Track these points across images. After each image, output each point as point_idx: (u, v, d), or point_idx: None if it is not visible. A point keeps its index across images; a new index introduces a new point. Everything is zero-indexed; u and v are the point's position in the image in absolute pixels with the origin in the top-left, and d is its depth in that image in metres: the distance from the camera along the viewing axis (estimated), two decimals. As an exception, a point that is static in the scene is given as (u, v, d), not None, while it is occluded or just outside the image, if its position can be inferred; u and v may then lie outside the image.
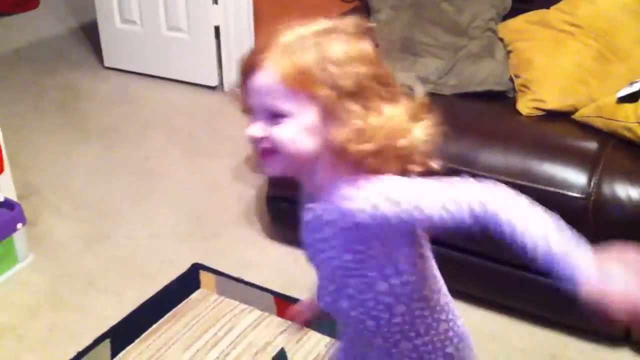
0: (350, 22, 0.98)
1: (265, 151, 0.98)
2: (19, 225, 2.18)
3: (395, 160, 0.98)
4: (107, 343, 1.92)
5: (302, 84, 0.93)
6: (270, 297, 2.07)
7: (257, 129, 0.96)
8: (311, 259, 1.14)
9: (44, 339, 1.95)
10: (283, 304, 2.04)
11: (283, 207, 2.22)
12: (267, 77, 0.94)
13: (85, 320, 2.01)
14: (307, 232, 1.11)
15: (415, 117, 1.00)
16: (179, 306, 2.06)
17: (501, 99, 2.15)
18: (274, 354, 1.88)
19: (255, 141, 0.98)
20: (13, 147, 2.35)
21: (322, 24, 0.98)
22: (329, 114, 0.95)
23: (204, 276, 2.17)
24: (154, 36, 3.42)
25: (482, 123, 2.05)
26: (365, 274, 1.02)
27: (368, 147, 0.95)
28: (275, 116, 0.95)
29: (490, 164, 1.87)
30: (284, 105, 0.94)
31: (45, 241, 2.36)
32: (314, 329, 1.93)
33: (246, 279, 2.15)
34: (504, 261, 1.91)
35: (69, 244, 2.35)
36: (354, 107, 0.95)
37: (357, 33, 0.97)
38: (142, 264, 2.25)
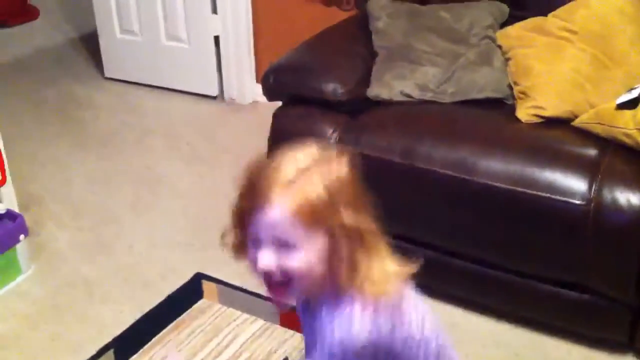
0: (334, 149, 1.09)
1: (276, 285, 1.06)
2: (22, 237, 2.18)
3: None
4: (110, 354, 1.93)
5: (312, 217, 1.01)
6: (273, 306, 2.08)
7: (269, 258, 1.03)
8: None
9: (47, 350, 1.96)
10: (286, 313, 2.04)
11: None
12: (278, 212, 1.01)
13: (88, 331, 2.01)
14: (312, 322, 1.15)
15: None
16: (182, 316, 2.06)
17: (500, 106, 2.15)
18: (277, 362, 1.89)
19: (267, 274, 1.05)
20: (14, 157, 2.36)
21: (311, 154, 1.06)
22: (333, 247, 1.03)
23: (206, 286, 2.18)
24: (154, 46, 3.43)
25: (481, 130, 2.05)
26: None
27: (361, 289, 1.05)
28: (285, 248, 1.02)
29: (490, 170, 1.87)
30: (295, 238, 1.01)
31: (46, 251, 2.36)
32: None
33: (247, 288, 2.16)
34: (508, 269, 1.91)
35: (70, 254, 2.35)
36: (356, 246, 1.04)
37: (343, 158, 1.08)
38: (144, 273, 2.26)
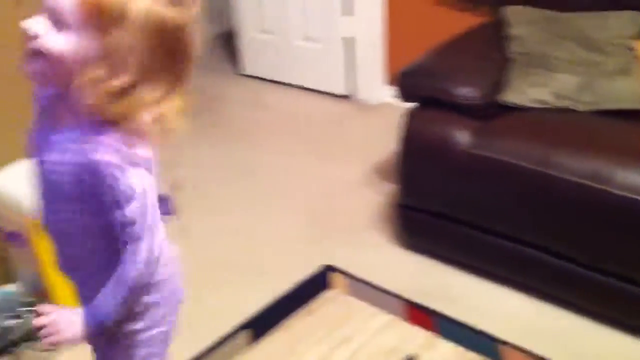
0: None
1: (33, 52, 1.04)
2: (169, 217, 2.36)
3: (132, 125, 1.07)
4: (245, 332, 2.06)
5: (97, 14, 1.00)
6: (400, 303, 2.14)
7: (39, 25, 1.03)
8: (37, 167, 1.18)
9: (186, 325, 2.10)
10: (413, 310, 2.10)
11: (414, 216, 2.29)
12: None
13: (223, 311, 2.15)
14: (46, 150, 1.13)
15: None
16: (310, 304, 2.17)
17: (638, 118, 2.12)
18: (403, 358, 1.95)
19: (30, 37, 1.03)
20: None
21: None
22: (104, 57, 1.01)
23: (335, 277, 2.27)
24: (288, 45, 3.58)
25: (618, 141, 2.02)
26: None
27: (113, 111, 1.04)
28: (59, 25, 1.01)
29: (627, 182, 1.86)
30: (71, 18, 1.00)
31: (182, 234, 2.52)
32: (446, 337, 1.99)
33: (375, 283, 2.23)
34: (592, 267, 1.92)
35: (205, 238, 2.51)
36: (124, 66, 1.02)
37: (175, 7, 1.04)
38: (274, 262, 2.38)
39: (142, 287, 1.17)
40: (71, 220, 1.16)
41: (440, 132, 2.14)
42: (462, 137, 2.10)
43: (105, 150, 1.06)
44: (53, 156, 1.11)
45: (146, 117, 1.08)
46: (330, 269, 2.31)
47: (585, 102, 2.17)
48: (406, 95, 2.31)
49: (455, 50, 2.41)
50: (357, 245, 2.45)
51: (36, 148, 1.16)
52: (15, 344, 1.97)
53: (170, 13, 1.04)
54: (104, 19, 1.00)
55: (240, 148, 3.14)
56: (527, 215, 2.03)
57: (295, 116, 3.42)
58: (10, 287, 2.13)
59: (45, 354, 1.97)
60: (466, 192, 2.11)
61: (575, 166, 1.94)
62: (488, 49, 2.41)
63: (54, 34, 1.02)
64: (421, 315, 2.09)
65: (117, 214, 1.10)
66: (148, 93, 1.06)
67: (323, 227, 2.55)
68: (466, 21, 2.83)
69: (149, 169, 1.13)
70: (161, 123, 1.10)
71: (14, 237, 1.99)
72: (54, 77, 1.06)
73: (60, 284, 2.02)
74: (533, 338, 1.99)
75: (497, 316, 2.09)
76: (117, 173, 1.07)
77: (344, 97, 3.51)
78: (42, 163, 1.15)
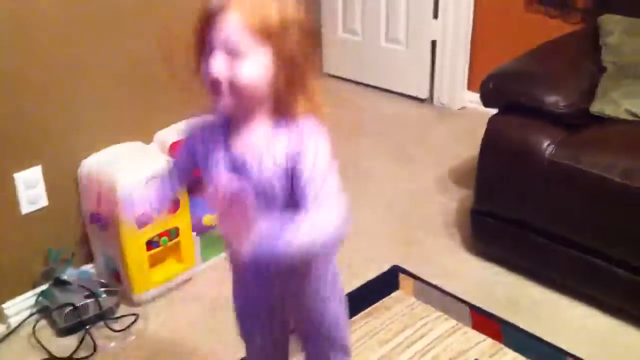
0: None
1: (220, 88, 1.11)
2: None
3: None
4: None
5: (261, 31, 1.09)
6: (467, 308, 2.11)
7: (220, 64, 1.10)
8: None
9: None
10: (479, 317, 2.07)
11: (488, 223, 2.24)
12: (231, 18, 1.08)
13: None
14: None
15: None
16: (378, 303, 2.16)
17: None
18: (466, 363, 1.92)
19: (216, 82, 1.11)
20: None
21: None
22: (280, 65, 1.11)
23: (402, 279, 2.26)
24: (373, 47, 3.58)
25: None
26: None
27: (298, 107, 1.15)
28: (234, 56, 1.09)
29: None
30: (244, 47, 1.09)
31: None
32: (511, 346, 1.95)
33: (442, 287, 2.21)
34: None
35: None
36: (294, 70, 1.12)
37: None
38: (347, 258, 2.38)
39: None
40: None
41: (524, 139, 2.09)
42: (546, 145, 2.05)
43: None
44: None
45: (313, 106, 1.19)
46: (398, 270, 2.30)
47: (680, 116, 2.08)
48: (490, 100, 2.27)
49: (545, 56, 2.35)
50: (428, 249, 2.42)
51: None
52: (89, 322, 2.04)
53: (302, 14, 1.15)
54: (272, 34, 1.10)
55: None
56: (606, 228, 1.96)
57: (375, 118, 3.41)
58: (89, 267, 2.22)
59: (118, 333, 2.04)
60: (545, 201, 2.05)
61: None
62: (579, 57, 2.35)
63: (237, 66, 1.10)
64: (487, 322, 2.05)
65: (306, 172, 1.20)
66: (312, 83, 1.18)
67: (397, 228, 2.54)
68: (556, 29, 2.77)
69: None
70: (318, 109, 1.20)
71: (98, 219, 2.07)
72: (246, 104, 1.15)
73: (135, 266, 2.08)
74: (602, 354, 1.92)
75: (565, 329, 2.02)
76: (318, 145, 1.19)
77: (425, 100, 3.49)
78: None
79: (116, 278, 2.15)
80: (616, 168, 1.92)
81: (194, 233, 2.23)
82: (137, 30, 2.13)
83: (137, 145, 2.20)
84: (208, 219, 2.25)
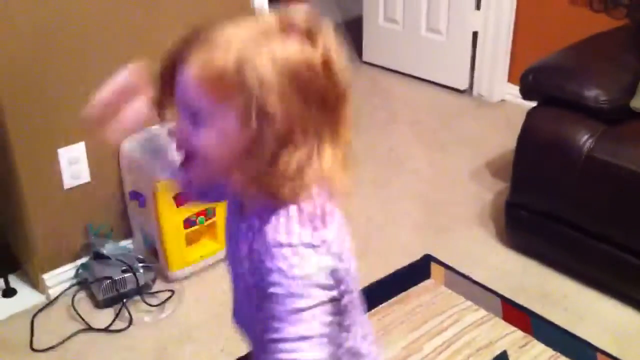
0: (302, 17, 0.85)
1: (186, 155, 0.90)
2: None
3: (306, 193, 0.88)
4: (340, 310, 2.09)
5: (222, 90, 0.83)
6: (497, 299, 2.12)
7: (177, 127, 0.89)
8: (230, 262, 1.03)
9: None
10: (509, 308, 2.07)
11: (522, 215, 2.24)
12: (186, 72, 0.85)
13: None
14: (236, 241, 0.97)
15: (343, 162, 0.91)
16: (409, 291, 2.18)
17: None
18: (495, 354, 1.93)
19: (178, 143, 0.90)
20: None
21: (261, 23, 0.85)
22: (245, 133, 0.83)
23: (434, 268, 2.27)
24: (413, 36, 3.57)
25: None
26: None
27: (282, 190, 0.86)
28: (193, 118, 0.86)
29: None
30: (201, 107, 0.85)
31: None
32: (540, 339, 1.95)
33: (474, 277, 2.22)
34: None
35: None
36: (276, 141, 0.83)
37: (309, 34, 0.84)
38: (376, 245, 2.41)
39: None
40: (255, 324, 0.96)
41: (562, 132, 2.09)
42: (585, 139, 2.04)
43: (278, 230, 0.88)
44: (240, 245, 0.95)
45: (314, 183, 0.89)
46: (430, 259, 2.31)
47: None
48: (530, 93, 2.26)
49: (586, 51, 2.33)
50: (460, 238, 2.43)
51: (228, 236, 1.02)
52: (126, 296, 2.10)
53: (300, 55, 0.83)
54: (230, 91, 0.82)
55: (354, 132, 3.17)
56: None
57: (414, 107, 3.41)
58: (127, 243, 2.28)
59: (154, 308, 2.10)
60: (581, 195, 2.04)
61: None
62: (621, 52, 2.32)
63: (194, 131, 0.87)
64: (517, 314, 2.05)
65: (270, 324, 0.89)
66: (310, 155, 0.87)
67: (430, 217, 2.55)
68: (599, 23, 2.73)
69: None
70: (328, 184, 0.91)
71: (137, 196, 2.12)
72: (210, 176, 0.92)
73: (172, 244, 2.13)
74: (632, 350, 1.92)
75: (596, 324, 2.02)
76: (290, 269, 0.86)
77: (464, 91, 3.47)
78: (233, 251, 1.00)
79: (153, 254, 2.20)
80: (655, 165, 1.91)
81: (230, 214, 2.27)
82: (175, 12, 2.17)
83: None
84: (244, 200, 2.29)
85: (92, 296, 2.12)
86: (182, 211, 2.09)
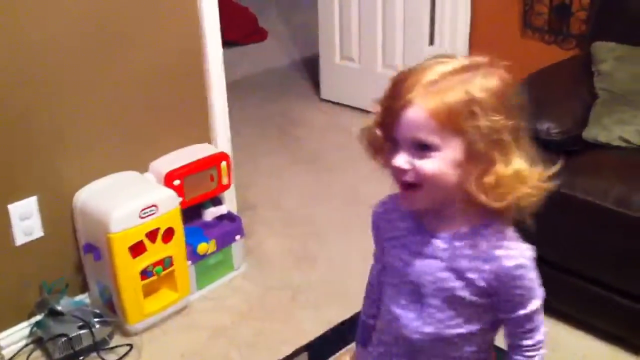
0: (484, 59, 1.07)
1: (408, 185, 1.06)
2: (238, 237, 2.40)
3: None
4: (305, 356, 2.05)
5: (450, 120, 1.01)
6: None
7: (404, 160, 1.04)
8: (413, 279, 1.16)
9: (250, 344, 2.13)
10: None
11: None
12: (417, 112, 1.02)
13: (288, 331, 2.16)
14: (429, 257, 1.14)
15: (532, 163, 1.08)
16: (373, 332, 2.14)
17: None
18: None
19: (400, 173, 1.06)
20: (235, 165, 2.60)
21: (460, 61, 1.06)
22: (471, 154, 1.02)
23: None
24: (370, 73, 3.59)
25: None
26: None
27: (497, 204, 1.04)
28: (422, 149, 1.03)
29: None
30: (432, 139, 1.02)
31: (256, 254, 2.57)
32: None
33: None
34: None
35: (278, 259, 2.54)
36: (493, 152, 1.02)
37: (494, 69, 1.06)
38: (344, 285, 2.37)
39: None
40: (453, 326, 1.15)
41: (516, 166, 2.09)
42: (539, 172, 2.04)
43: (514, 255, 1.10)
44: (436, 262, 1.13)
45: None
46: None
47: (673, 142, 2.08)
48: (483, 127, 2.27)
49: (539, 83, 2.35)
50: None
51: (403, 255, 1.17)
52: (83, 353, 2.03)
53: (502, 74, 1.07)
54: (458, 121, 1.01)
55: (315, 171, 3.17)
56: (604, 254, 1.95)
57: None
58: (84, 297, 2.22)
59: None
60: (539, 228, 2.03)
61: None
62: (574, 84, 2.35)
63: (423, 161, 1.04)
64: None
65: (521, 310, 1.12)
66: (520, 165, 1.05)
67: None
68: (551, 55, 2.78)
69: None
70: (525, 199, 1.08)
71: (91, 249, 2.07)
72: (433, 199, 1.08)
73: (130, 296, 2.08)
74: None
75: (565, 357, 2.01)
76: (526, 273, 1.11)
77: (423, 126, 3.49)
78: (414, 269, 1.15)
79: (110, 308, 2.14)
80: (610, 195, 1.91)
81: (189, 262, 2.23)
82: (130, 60, 2.15)
83: (132, 174, 2.20)
84: (203, 247, 2.25)
85: (48, 355, 2.05)
86: (139, 262, 2.04)
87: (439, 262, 1.12)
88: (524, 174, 1.05)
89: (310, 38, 3.93)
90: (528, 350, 1.15)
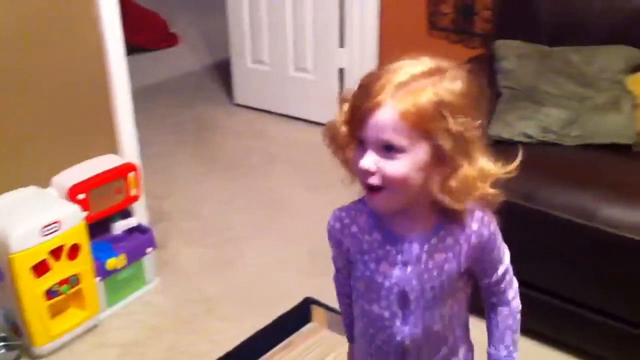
0: (451, 64, 1.08)
1: (373, 186, 1.06)
2: (149, 250, 2.34)
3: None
4: (222, 367, 2.02)
5: (419, 122, 1.01)
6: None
7: (370, 161, 1.04)
8: (400, 291, 1.17)
9: (163, 358, 2.08)
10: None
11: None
12: (388, 113, 1.01)
13: (203, 344, 2.12)
14: (410, 265, 1.15)
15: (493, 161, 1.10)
16: (291, 337, 2.13)
17: (626, 153, 2.09)
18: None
19: (366, 175, 1.05)
20: (148, 174, 2.53)
21: (428, 64, 1.07)
22: (437, 156, 1.03)
23: (315, 310, 2.23)
24: (282, 76, 3.58)
25: (605, 176, 2.00)
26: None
27: (459, 205, 1.07)
28: (388, 151, 1.03)
29: (614, 218, 1.83)
30: (400, 140, 1.02)
31: (171, 265, 2.51)
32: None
33: (357, 316, 2.20)
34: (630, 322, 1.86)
35: (193, 270, 2.49)
36: (459, 155, 1.03)
37: (459, 72, 1.07)
38: (261, 293, 2.35)
39: None
40: (443, 315, 1.18)
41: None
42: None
43: (486, 221, 1.14)
44: (417, 267, 1.14)
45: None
46: (311, 302, 2.27)
47: (573, 136, 2.15)
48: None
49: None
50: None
51: (381, 268, 1.17)
52: (-12, 376, 1.94)
53: (467, 76, 1.07)
54: (427, 123, 1.01)
55: (232, 176, 3.13)
56: (514, 252, 1.99)
57: (287, 146, 3.41)
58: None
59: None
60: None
61: (561, 201, 1.90)
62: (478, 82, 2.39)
63: (386, 163, 1.03)
64: None
65: (500, 267, 1.20)
66: (484, 164, 1.07)
67: (311, 259, 2.52)
68: (457, 54, 2.83)
69: None
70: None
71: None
72: (398, 200, 1.08)
73: (35, 318, 1.99)
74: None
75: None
76: (497, 230, 1.16)
77: (337, 127, 3.50)
78: (398, 280, 1.16)
79: (16, 331, 2.04)
80: (516, 190, 1.95)
81: (98, 278, 2.15)
82: (26, 70, 2.06)
83: (33, 190, 2.11)
84: (112, 262, 2.18)
85: (-52, 385, 1.94)
86: (43, 282, 1.95)
87: (420, 267, 1.14)
88: (489, 171, 1.07)
89: (222, 42, 3.88)
90: (514, 299, 1.23)
